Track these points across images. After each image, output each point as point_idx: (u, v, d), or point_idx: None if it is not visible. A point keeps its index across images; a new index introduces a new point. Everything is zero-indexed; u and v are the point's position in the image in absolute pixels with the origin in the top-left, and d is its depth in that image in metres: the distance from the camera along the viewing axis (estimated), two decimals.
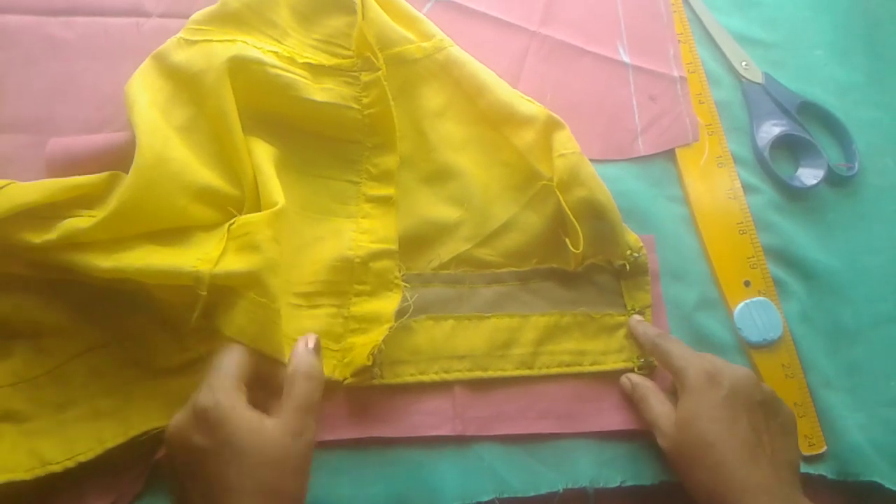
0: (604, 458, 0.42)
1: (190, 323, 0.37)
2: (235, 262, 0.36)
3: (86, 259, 0.36)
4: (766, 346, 0.46)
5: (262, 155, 0.41)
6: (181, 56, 0.42)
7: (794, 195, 0.51)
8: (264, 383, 0.36)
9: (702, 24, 0.57)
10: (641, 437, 0.42)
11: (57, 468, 0.36)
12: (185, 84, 0.42)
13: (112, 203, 0.37)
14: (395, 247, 0.43)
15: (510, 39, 0.53)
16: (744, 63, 0.55)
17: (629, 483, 0.41)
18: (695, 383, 0.38)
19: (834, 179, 0.52)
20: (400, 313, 0.41)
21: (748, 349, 0.46)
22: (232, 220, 0.38)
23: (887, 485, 0.43)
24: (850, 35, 0.58)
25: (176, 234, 0.39)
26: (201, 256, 0.37)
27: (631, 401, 0.43)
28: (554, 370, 0.43)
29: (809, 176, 0.51)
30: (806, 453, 0.44)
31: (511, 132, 0.46)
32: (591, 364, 0.44)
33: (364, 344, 0.41)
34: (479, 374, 0.42)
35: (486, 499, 0.40)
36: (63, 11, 0.48)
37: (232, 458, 0.32)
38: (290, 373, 0.35)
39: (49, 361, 0.38)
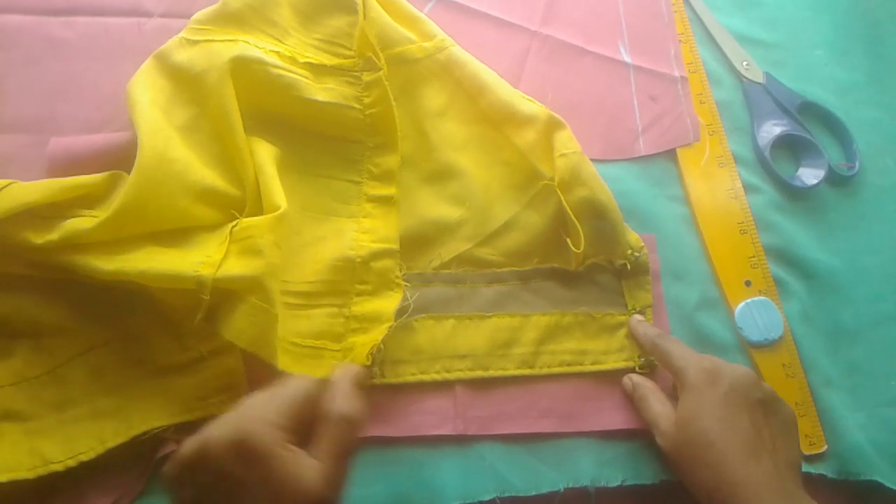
0: (605, 458, 0.42)
1: (191, 323, 0.37)
2: (238, 267, 0.36)
3: (88, 261, 0.36)
4: (767, 345, 0.46)
5: (264, 155, 0.41)
6: (183, 56, 0.42)
7: (794, 195, 0.51)
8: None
9: (703, 24, 0.57)
10: (642, 436, 0.42)
11: (58, 467, 0.36)
12: (186, 84, 0.42)
13: (114, 204, 0.37)
14: (396, 246, 0.43)
15: (511, 39, 0.53)
16: (745, 63, 0.55)
17: (630, 482, 0.41)
18: (694, 382, 0.38)
19: (834, 179, 0.52)
20: (400, 312, 0.41)
21: (749, 349, 0.46)
22: (234, 223, 0.38)
23: (888, 484, 0.43)
24: (851, 35, 0.58)
25: (177, 234, 0.39)
26: (203, 259, 0.37)
27: (632, 401, 0.43)
28: (555, 369, 0.43)
29: (810, 176, 0.51)
30: (806, 452, 0.44)
31: (512, 132, 0.46)
32: (592, 363, 0.44)
33: (364, 344, 0.40)
34: (480, 373, 0.42)
35: (487, 498, 0.40)
36: (64, 11, 0.47)
37: (263, 498, 0.29)
38: (329, 411, 0.32)
39: (50, 361, 0.38)
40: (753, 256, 0.48)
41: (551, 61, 0.53)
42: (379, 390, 0.41)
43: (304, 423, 0.32)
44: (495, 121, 0.47)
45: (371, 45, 0.44)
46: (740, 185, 0.50)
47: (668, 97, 0.53)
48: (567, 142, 0.45)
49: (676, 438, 0.38)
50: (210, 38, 0.42)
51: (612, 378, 0.44)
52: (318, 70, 0.44)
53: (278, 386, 0.32)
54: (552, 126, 0.45)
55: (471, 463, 0.41)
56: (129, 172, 0.38)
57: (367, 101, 0.45)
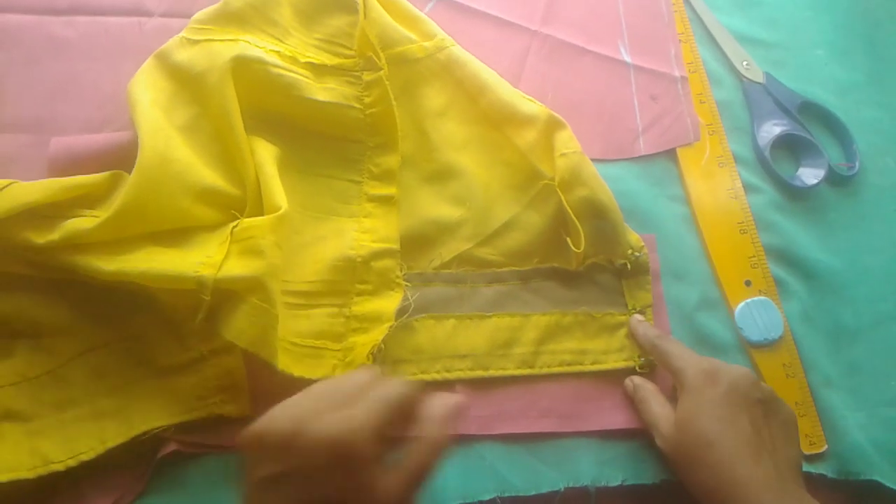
0: (605, 457, 0.42)
1: (192, 323, 0.37)
2: (239, 267, 0.36)
3: (89, 261, 0.36)
4: (767, 345, 0.46)
5: (265, 155, 0.41)
6: (183, 55, 0.42)
7: (794, 195, 0.51)
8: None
9: (703, 24, 0.57)
10: (642, 436, 0.42)
11: (59, 467, 0.36)
12: (187, 84, 0.42)
13: (115, 204, 0.37)
14: (396, 246, 0.43)
15: (511, 39, 0.53)
16: (745, 63, 0.55)
17: (630, 482, 0.41)
18: (693, 383, 0.38)
19: (835, 179, 0.52)
20: (401, 312, 0.42)
21: (749, 349, 0.46)
22: (235, 223, 0.38)
23: (888, 484, 0.43)
24: (851, 35, 0.58)
25: (178, 234, 0.39)
26: (204, 260, 0.37)
27: (633, 402, 0.43)
28: (555, 369, 0.43)
29: (810, 175, 0.51)
30: (807, 452, 0.44)
31: (512, 132, 0.46)
32: (593, 363, 0.44)
33: (365, 343, 0.41)
34: (480, 373, 0.42)
35: (487, 498, 0.40)
36: (64, 11, 0.47)
37: (336, 501, 0.29)
38: (426, 437, 0.31)
39: (51, 361, 0.38)
40: (753, 256, 0.48)
41: (551, 61, 0.53)
42: None
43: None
44: (496, 120, 0.47)
45: (371, 45, 0.44)
46: (740, 184, 0.51)
47: (668, 97, 0.53)
48: (567, 141, 0.45)
49: (676, 440, 0.38)
50: (211, 37, 0.42)
51: (612, 378, 0.44)
52: (318, 70, 0.44)
53: (382, 387, 0.32)
54: (552, 126, 0.45)
55: (471, 463, 0.41)
56: (129, 172, 0.38)
57: (367, 100, 0.45)
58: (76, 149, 0.42)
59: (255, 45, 0.43)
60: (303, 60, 0.44)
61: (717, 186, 0.50)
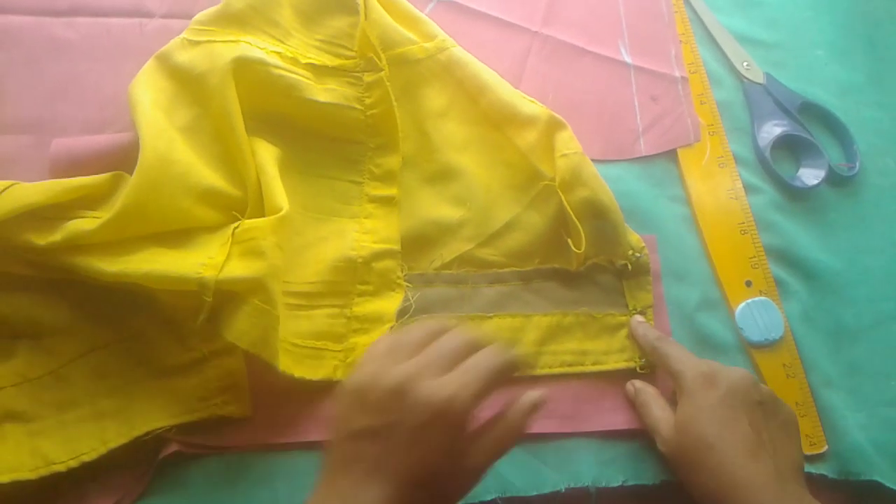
0: (605, 458, 0.42)
1: (193, 324, 0.37)
2: (240, 268, 0.36)
3: (91, 263, 0.37)
4: (768, 345, 0.46)
5: (266, 156, 0.41)
6: (184, 56, 0.42)
7: (795, 195, 0.51)
8: None
9: (703, 25, 0.57)
10: (643, 436, 0.42)
11: (61, 468, 0.36)
12: (188, 85, 0.42)
13: (116, 205, 0.37)
14: (397, 247, 0.44)
15: (512, 40, 0.53)
16: (745, 63, 0.55)
17: (631, 482, 0.41)
18: (692, 385, 0.39)
19: (835, 179, 0.52)
20: (402, 313, 0.42)
21: (749, 349, 0.46)
22: (236, 224, 0.39)
23: (888, 484, 0.43)
24: (851, 35, 0.58)
25: (180, 236, 0.39)
26: (205, 261, 0.37)
27: (633, 406, 0.43)
28: (556, 370, 0.43)
29: (810, 176, 0.51)
30: (807, 452, 0.44)
31: (513, 132, 0.46)
32: (593, 364, 0.44)
33: (366, 344, 0.41)
34: None
35: (488, 498, 0.40)
36: (65, 12, 0.47)
37: (416, 454, 0.30)
38: (506, 423, 0.34)
39: (52, 361, 0.38)
40: (754, 257, 0.48)
41: (552, 62, 0.53)
42: None
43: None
44: (496, 121, 0.47)
45: (372, 46, 0.44)
46: (741, 185, 0.51)
47: (668, 97, 0.53)
48: (568, 142, 0.45)
49: (676, 442, 0.38)
50: (212, 38, 0.43)
51: (612, 378, 0.44)
52: (319, 71, 0.44)
53: (485, 356, 0.33)
54: (553, 126, 0.45)
55: None
56: (131, 173, 0.38)
57: (368, 101, 0.45)
58: (77, 150, 0.42)
59: (256, 46, 0.43)
60: (304, 61, 0.44)
61: (718, 187, 0.50)
